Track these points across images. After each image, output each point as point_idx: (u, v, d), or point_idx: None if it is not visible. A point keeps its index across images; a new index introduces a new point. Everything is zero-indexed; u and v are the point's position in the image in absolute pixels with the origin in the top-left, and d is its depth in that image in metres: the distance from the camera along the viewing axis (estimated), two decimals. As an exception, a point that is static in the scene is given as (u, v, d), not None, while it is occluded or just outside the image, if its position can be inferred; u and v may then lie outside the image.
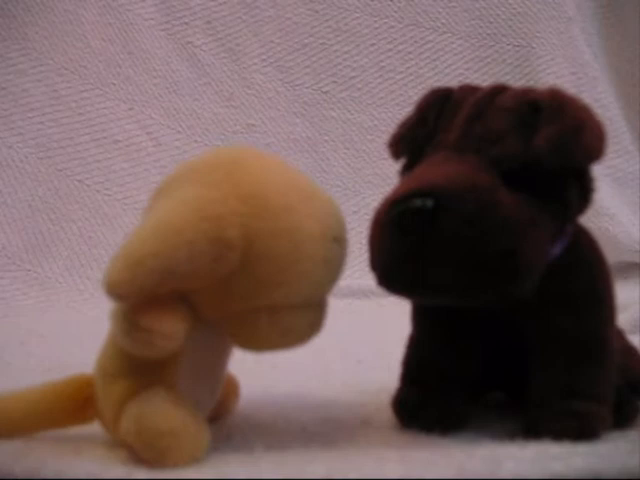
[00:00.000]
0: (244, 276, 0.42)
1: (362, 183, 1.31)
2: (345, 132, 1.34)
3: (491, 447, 0.42)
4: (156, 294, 0.41)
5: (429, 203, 0.41)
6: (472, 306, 0.45)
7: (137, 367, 0.44)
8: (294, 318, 0.44)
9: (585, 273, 0.47)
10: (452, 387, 0.49)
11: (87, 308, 1.08)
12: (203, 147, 1.30)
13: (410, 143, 0.49)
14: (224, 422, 0.51)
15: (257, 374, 0.63)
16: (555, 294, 0.46)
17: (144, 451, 0.41)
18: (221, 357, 0.49)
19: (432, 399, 0.48)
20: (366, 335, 0.84)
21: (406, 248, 0.42)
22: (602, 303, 0.47)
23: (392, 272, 0.43)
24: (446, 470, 0.39)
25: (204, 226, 0.41)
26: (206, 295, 0.43)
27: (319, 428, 0.49)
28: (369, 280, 0.48)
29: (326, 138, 1.34)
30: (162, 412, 0.42)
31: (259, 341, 0.45)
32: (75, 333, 0.88)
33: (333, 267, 0.45)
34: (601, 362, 0.46)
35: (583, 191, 0.46)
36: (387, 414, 0.50)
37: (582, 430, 0.43)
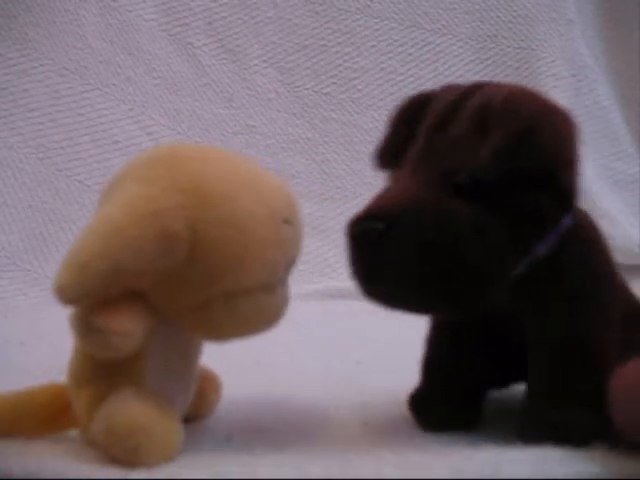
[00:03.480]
0: (194, 267, 0.42)
1: (362, 185, 1.31)
2: (345, 134, 1.34)
3: (490, 450, 0.42)
4: (108, 294, 0.41)
5: (378, 226, 0.42)
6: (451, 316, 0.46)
7: (105, 370, 0.44)
8: (251, 302, 0.44)
9: (575, 273, 0.46)
10: (457, 387, 0.49)
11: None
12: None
13: (390, 157, 0.48)
14: (222, 422, 0.51)
15: (256, 375, 0.63)
16: (543, 295, 0.45)
17: (114, 449, 0.41)
18: (190, 353, 0.48)
19: (439, 399, 0.49)
20: (365, 336, 0.84)
21: (364, 267, 0.43)
22: (594, 304, 0.46)
23: (361, 287, 0.44)
24: (444, 473, 0.39)
25: (148, 222, 0.41)
26: (160, 291, 0.43)
27: (317, 429, 0.49)
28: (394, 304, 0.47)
29: (326, 139, 1.34)
30: (130, 411, 0.42)
31: (220, 330, 0.45)
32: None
33: (286, 248, 0.45)
34: (590, 366, 0.45)
35: (557, 193, 0.44)
36: (386, 415, 0.50)
37: (565, 439, 0.42)
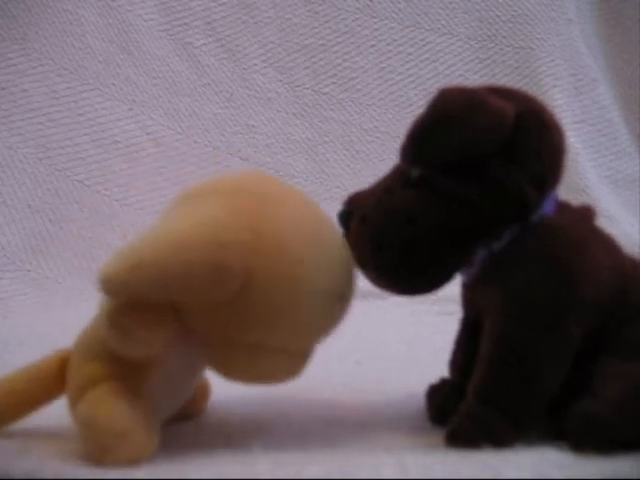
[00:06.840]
0: (236, 309, 0.42)
1: (361, 184, 1.30)
2: (345, 133, 1.34)
3: (490, 453, 0.42)
4: (147, 299, 0.41)
5: (345, 210, 0.48)
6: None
7: (114, 355, 0.43)
8: (274, 362, 0.44)
9: (524, 273, 0.44)
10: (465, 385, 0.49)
11: (87, 308, 1.08)
12: (203, 148, 1.30)
13: None
14: (221, 422, 0.51)
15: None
16: (489, 292, 0.46)
17: (87, 443, 0.41)
18: (195, 372, 0.48)
19: (449, 393, 0.50)
20: (365, 336, 0.84)
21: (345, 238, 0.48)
22: (535, 307, 0.44)
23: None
24: (443, 476, 0.39)
25: (209, 249, 0.40)
26: (194, 315, 0.43)
27: (317, 429, 0.49)
28: (367, 281, 0.48)
29: (326, 139, 1.34)
30: (116, 412, 0.41)
31: (233, 373, 0.45)
32: (74, 334, 0.88)
33: (330, 322, 0.45)
34: (515, 371, 0.44)
35: (488, 183, 0.44)
36: (385, 416, 0.50)
37: (476, 436, 0.43)
